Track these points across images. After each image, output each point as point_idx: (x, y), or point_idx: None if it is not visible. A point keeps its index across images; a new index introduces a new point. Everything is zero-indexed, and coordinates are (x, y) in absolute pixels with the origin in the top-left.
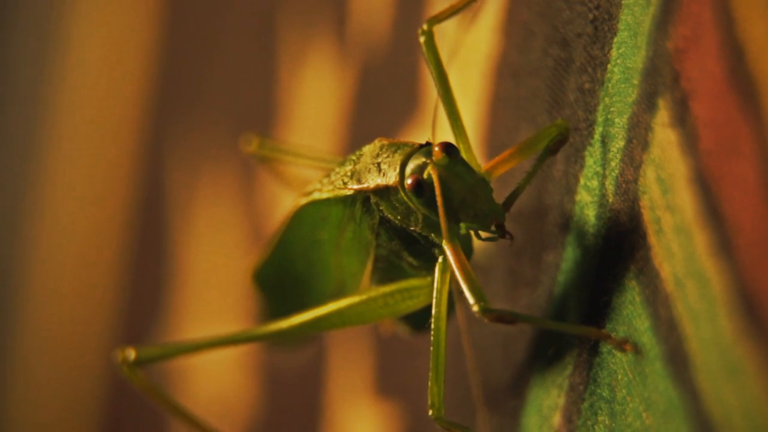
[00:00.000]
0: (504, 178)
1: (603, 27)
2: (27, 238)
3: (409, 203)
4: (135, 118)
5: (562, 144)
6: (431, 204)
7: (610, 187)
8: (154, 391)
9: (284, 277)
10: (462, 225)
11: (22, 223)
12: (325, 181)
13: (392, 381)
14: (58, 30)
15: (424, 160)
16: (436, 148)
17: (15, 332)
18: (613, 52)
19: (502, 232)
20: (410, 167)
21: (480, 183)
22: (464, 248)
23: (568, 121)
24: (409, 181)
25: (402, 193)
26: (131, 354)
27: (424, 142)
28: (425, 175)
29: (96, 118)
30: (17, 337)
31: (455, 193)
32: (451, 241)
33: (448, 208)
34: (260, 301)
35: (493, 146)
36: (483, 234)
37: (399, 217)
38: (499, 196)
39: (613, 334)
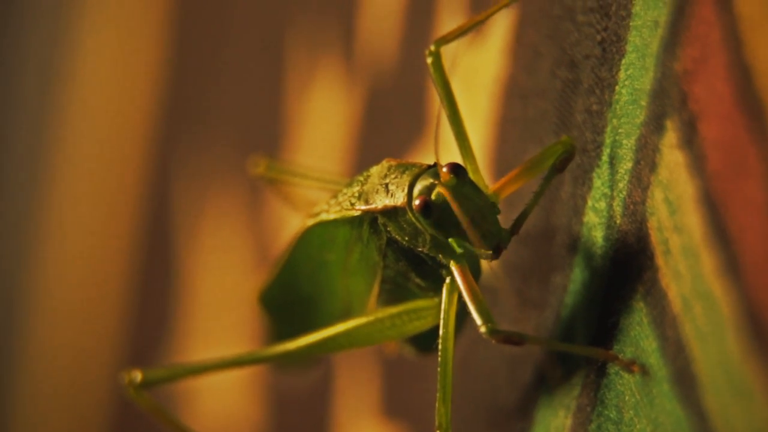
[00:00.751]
0: (511, 199)
1: (611, 48)
2: (34, 257)
3: (417, 224)
4: (142, 139)
5: (568, 162)
6: (439, 225)
7: (617, 208)
8: (161, 412)
9: (291, 298)
10: (456, 243)
11: (28, 243)
12: (333, 202)
13: (399, 402)
14: (66, 49)
15: (431, 180)
16: (444, 169)
17: (21, 352)
18: (621, 74)
19: (498, 253)
20: (418, 188)
21: (487, 204)
22: (472, 269)
23: (573, 138)
24: (416, 202)
25: (410, 214)
26: (137, 376)
27: (432, 163)
28: (433, 196)
29: (103, 137)
30: (23, 357)
31: (462, 215)
32: (459, 261)
33: (456, 228)
34: (267, 323)
35: (500, 167)
36: (482, 254)
37: (407, 238)
38: (507, 218)
39: (620, 356)
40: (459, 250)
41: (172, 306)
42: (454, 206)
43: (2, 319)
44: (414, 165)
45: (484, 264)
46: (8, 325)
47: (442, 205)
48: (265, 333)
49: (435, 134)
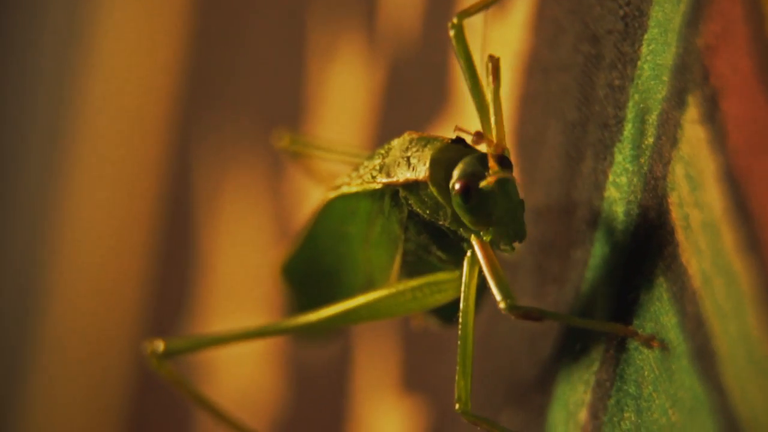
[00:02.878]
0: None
1: (633, 24)
2: (54, 229)
3: (439, 197)
4: (164, 112)
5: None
6: (470, 211)
7: (638, 183)
8: (182, 383)
9: (313, 270)
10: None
11: (49, 214)
12: (354, 174)
13: (419, 375)
14: (87, 20)
15: (478, 167)
16: (494, 162)
17: (42, 323)
18: (643, 49)
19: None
20: (462, 169)
21: (519, 205)
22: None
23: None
24: (460, 183)
25: (432, 188)
26: (160, 345)
27: (454, 137)
28: (481, 185)
29: (125, 110)
30: (44, 328)
31: (498, 209)
32: (479, 235)
33: (485, 219)
34: (288, 294)
35: (521, 141)
36: (502, 247)
37: (428, 212)
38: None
39: (640, 331)
40: (486, 237)
41: (193, 278)
42: (489, 201)
43: (25, 290)
44: (436, 138)
45: None
46: (30, 296)
47: (486, 195)
48: (287, 304)
49: (484, 108)
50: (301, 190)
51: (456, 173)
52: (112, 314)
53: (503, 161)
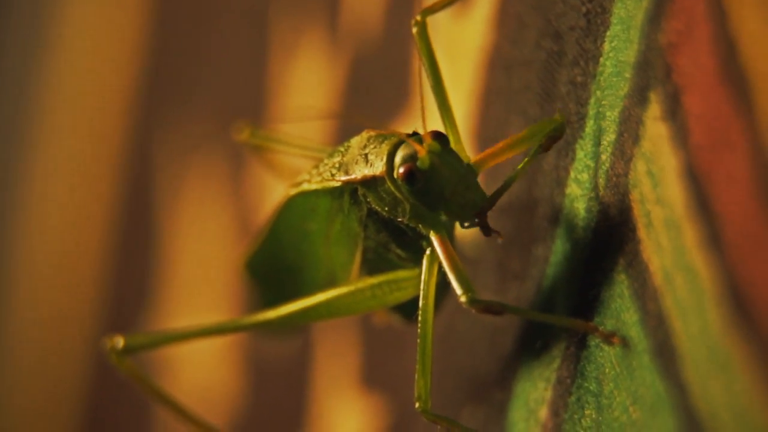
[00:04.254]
0: (491, 171)
1: (596, 20)
2: (13, 224)
3: (396, 193)
4: (124, 105)
5: (555, 141)
6: (421, 193)
7: (600, 180)
8: (142, 379)
9: (276, 266)
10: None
11: (7, 209)
12: (314, 172)
13: (379, 373)
14: (48, 16)
15: (414, 149)
16: (428, 136)
17: (0, 317)
18: (606, 46)
19: (487, 230)
20: (400, 155)
21: (470, 172)
22: (450, 239)
23: (564, 116)
24: (401, 170)
25: (389, 183)
26: (120, 342)
27: (410, 132)
28: (418, 164)
29: (85, 103)
30: (2, 322)
31: (446, 182)
32: (438, 231)
33: (439, 196)
34: (252, 290)
35: (483, 139)
36: (467, 224)
37: (386, 208)
38: (487, 190)
39: (601, 328)
40: (443, 218)
41: (153, 274)
42: (432, 176)
43: None
44: (393, 134)
45: (466, 235)
46: None
47: (427, 172)
48: (250, 300)
49: (421, 105)
50: (263, 184)
51: (396, 161)
52: (71, 310)
53: (438, 135)
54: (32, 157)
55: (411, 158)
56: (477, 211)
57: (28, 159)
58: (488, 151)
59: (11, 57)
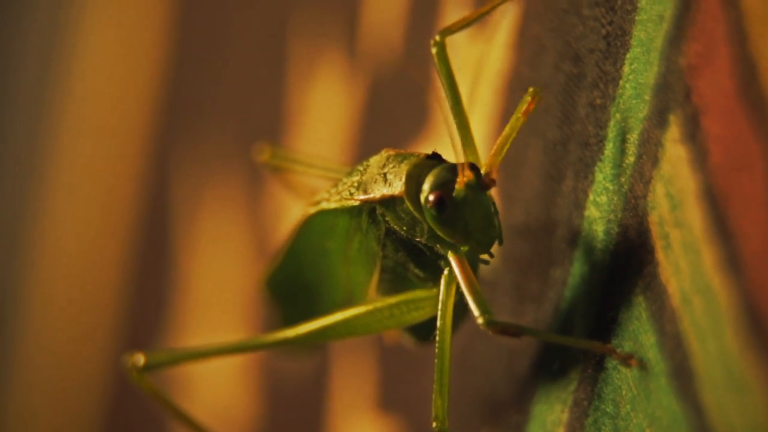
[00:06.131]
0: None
1: (616, 43)
2: (32, 242)
3: (415, 213)
4: (144, 125)
5: (532, 105)
6: (447, 222)
7: (619, 203)
8: (161, 396)
9: (295, 285)
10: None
11: (26, 226)
12: (333, 191)
13: (396, 392)
14: (67, 36)
15: (449, 177)
16: (464, 169)
17: (19, 335)
18: (626, 68)
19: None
20: (432, 181)
21: (495, 211)
22: (470, 261)
23: (538, 88)
24: (434, 195)
25: (408, 203)
26: (140, 359)
27: (430, 153)
28: (454, 194)
29: (104, 123)
30: (21, 340)
31: (472, 216)
32: (457, 252)
33: (462, 229)
34: (272, 309)
35: (502, 161)
36: (481, 256)
37: (404, 228)
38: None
39: (618, 350)
40: (464, 248)
41: (173, 292)
42: (464, 209)
43: (4, 304)
44: (412, 154)
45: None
46: (7, 309)
47: (459, 204)
48: (269, 318)
49: (449, 127)
50: (281, 204)
51: (426, 186)
52: (91, 328)
53: (473, 168)
54: (53, 177)
55: (446, 186)
56: (492, 246)
57: (50, 179)
58: (490, 157)
59: (29, 82)
